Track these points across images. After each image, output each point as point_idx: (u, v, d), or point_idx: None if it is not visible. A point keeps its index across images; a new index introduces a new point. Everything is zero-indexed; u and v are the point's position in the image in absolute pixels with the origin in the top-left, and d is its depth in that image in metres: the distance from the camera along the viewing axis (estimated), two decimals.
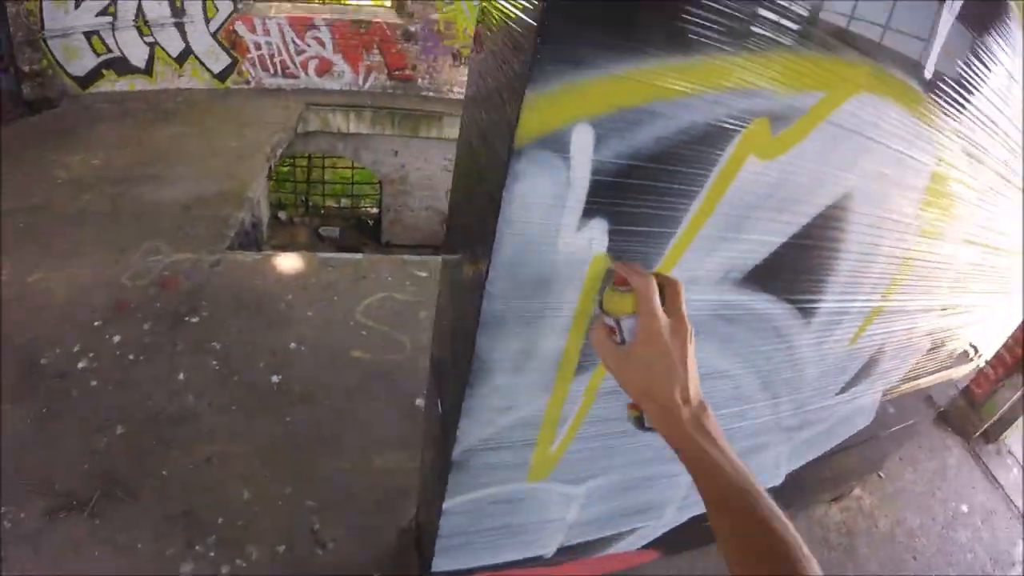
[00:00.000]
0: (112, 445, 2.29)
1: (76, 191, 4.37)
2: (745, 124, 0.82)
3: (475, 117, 0.92)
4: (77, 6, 6.64)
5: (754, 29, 0.74)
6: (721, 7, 0.70)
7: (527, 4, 0.67)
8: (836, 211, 1.07)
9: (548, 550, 1.72)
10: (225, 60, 7.22)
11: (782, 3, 0.74)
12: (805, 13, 0.76)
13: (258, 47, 7.21)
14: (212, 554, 1.96)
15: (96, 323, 2.92)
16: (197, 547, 1.97)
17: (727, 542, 0.62)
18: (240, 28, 7.07)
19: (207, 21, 6.97)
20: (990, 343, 2.34)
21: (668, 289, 0.72)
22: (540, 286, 0.88)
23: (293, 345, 2.96)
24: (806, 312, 1.28)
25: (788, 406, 1.61)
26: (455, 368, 1.11)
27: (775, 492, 1.97)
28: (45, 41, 6.69)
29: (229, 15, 7.00)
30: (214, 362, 2.76)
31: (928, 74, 0.97)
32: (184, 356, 2.76)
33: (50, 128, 5.90)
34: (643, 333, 0.70)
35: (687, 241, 0.92)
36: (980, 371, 2.90)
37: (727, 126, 0.81)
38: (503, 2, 0.73)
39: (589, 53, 0.67)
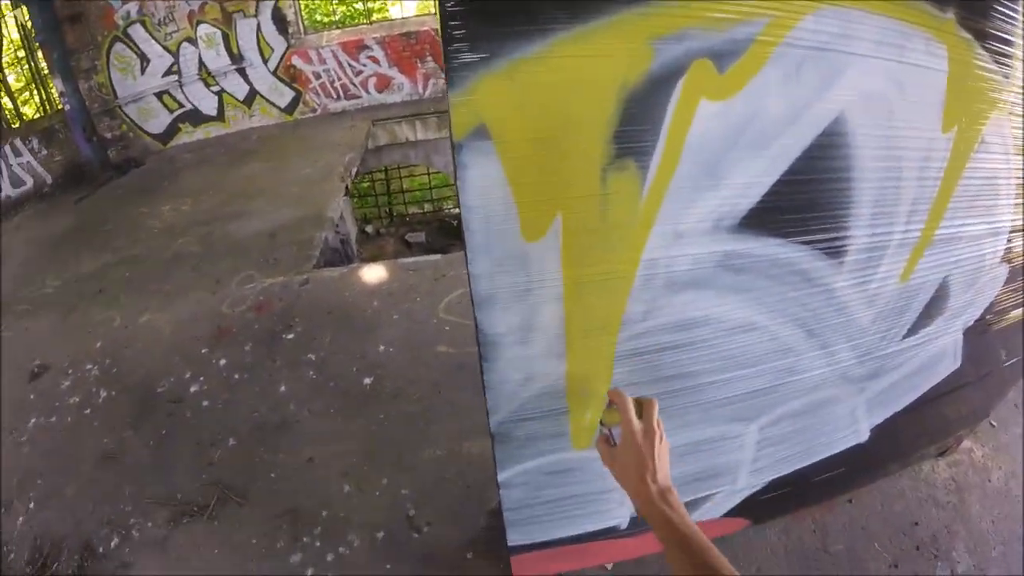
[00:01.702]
0: (224, 456, 2.60)
1: (170, 237, 4.90)
2: (682, 70, 0.82)
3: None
4: (143, 72, 7.32)
5: None
6: None
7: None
8: (831, 138, 1.00)
9: (621, 520, 1.74)
10: (289, 94, 7.68)
11: None
12: None
13: (317, 76, 7.61)
14: (317, 544, 2.18)
15: (203, 350, 3.29)
16: (304, 539, 2.20)
17: None
18: (297, 62, 7.47)
19: (265, 61, 7.43)
20: None
21: (644, 404, 0.93)
22: (518, 261, 0.93)
23: (382, 348, 3.16)
24: (833, 252, 1.20)
25: (848, 355, 1.51)
26: (477, 347, 1.19)
27: (862, 450, 1.86)
28: (121, 108, 7.47)
29: (284, 51, 7.40)
30: (311, 372, 3.04)
31: None
32: (283, 370, 3.06)
33: (139, 185, 6.51)
34: (623, 436, 0.92)
35: (658, 197, 0.93)
36: None
37: (661, 77, 0.82)
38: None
39: (496, 46, 0.72)
